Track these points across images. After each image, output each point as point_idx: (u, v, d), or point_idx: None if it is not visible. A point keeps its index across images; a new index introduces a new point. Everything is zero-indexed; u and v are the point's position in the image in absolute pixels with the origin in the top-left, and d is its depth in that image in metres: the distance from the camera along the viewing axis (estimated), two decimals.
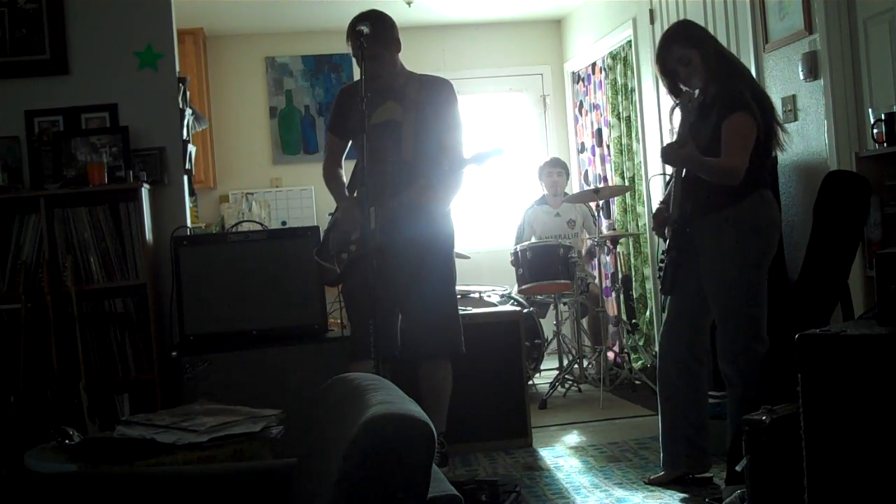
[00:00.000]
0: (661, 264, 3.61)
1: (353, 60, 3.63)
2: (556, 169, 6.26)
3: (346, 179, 3.83)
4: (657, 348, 3.68)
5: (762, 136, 3.31)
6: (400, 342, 3.69)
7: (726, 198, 3.32)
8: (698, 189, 3.37)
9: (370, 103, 3.46)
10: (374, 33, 3.48)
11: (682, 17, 5.27)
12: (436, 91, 3.67)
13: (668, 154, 3.40)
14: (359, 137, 3.48)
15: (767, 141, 3.36)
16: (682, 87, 3.47)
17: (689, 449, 3.55)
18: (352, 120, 3.62)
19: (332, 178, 3.81)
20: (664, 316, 3.68)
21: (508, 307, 5.19)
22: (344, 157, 3.84)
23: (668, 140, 5.61)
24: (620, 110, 6.58)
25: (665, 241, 3.57)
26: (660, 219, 3.60)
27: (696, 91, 3.44)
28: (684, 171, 3.42)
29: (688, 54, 3.39)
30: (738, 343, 3.35)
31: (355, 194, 3.70)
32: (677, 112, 3.57)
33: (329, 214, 3.88)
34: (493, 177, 7.55)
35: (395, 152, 3.55)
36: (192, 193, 4.95)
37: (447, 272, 3.70)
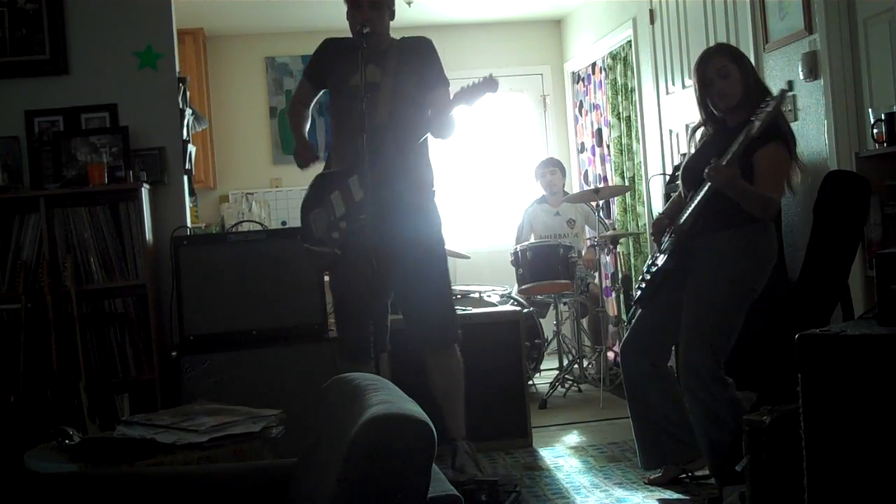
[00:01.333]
0: (645, 275, 3.60)
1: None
2: (550, 168, 6.27)
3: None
4: (621, 362, 3.67)
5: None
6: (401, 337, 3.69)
7: (733, 219, 3.29)
8: (714, 206, 3.31)
9: (352, 65, 3.47)
10: None
11: (682, 17, 5.28)
12: (415, 52, 3.64)
13: (718, 172, 3.18)
14: (332, 97, 3.56)
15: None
16: (710, 105, 3.41)
17: (676, 445, 3.55)
18: (332, 76, 3.63)
19: (296, 114, 3.90)
20: (629, 328, 3.67)
21: (508, 307, 5.19)
22: (313, 104, 3.91)
23: (668, 140, 5.62)
24: (620, 110, 6.58)
25: (660, 249, 3.55)
26: (659, 227, 3.59)
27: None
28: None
29: (728, 67, 3.35)
30: (703, 360, 3.32)
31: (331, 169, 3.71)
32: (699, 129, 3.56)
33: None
34: (492, 176, 7.56)
35: (371, 116, 3.47)
36: (192, 193, 4.95)
37: (445, 263, 3.71)
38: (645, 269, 3.64)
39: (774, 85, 4.33)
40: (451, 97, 3.53)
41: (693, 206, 3.37)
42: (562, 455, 4.24)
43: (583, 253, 6.05)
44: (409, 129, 3.58)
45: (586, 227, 6.32)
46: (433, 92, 3.62)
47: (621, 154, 6.58)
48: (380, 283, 3.46)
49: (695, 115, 3.60)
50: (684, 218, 3.41)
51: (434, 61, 3.65)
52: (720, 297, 3.33)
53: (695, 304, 3.37)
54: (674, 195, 3.80)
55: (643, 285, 3.58)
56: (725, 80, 3.35)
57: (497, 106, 7.68)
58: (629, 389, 3.62)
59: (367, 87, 3.42)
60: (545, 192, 6.29)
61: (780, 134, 3.25)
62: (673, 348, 3.74)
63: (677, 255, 3.44)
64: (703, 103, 3.45)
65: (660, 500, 3.46)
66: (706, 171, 3.19)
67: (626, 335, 3.67)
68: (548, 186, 6.24)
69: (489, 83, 3.45)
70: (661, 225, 3.60)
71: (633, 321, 3.69)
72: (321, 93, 3.85)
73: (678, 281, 3.43)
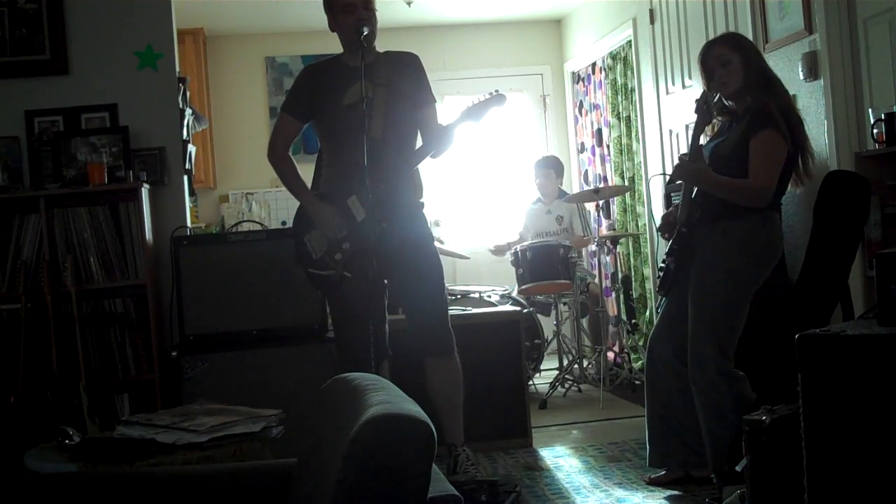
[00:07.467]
0: (662, 265, 3.61)
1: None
2: (544, 171, 6.25)
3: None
4: (647, 348, 3.68)
5: (790, 156, 3.29)
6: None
7: (729, 211, 3.31)
8: (711, 198, 3.35)
9: (342, 84, 3.44)
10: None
11: (682, 17, 5.28)
12: (405, 69, 3.63)
13: (682, 169, 3.32)
14: (325, 121, 3.46)
15: (790, 164, 3.33)
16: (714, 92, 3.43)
17: (682, 449, 3.55)
18: (321, 101, 3.58)
19: (284, 163, 3.69)
20: (657, 317, 3.67)
21: (508, 307, 5.19)
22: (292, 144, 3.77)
23: (668, 140, 5.62)
24: (620, 110, 6.58)
25: (668, 243, 3.57)
26: (668, 220, 3.60)
27: (717, 95, 3.41)
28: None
29: (728, 55, 3.38)
30: (706, 352, 3.33)
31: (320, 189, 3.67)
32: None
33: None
34: (492, 177, 7.56)
35: (367, 131, 3.42)
36: (192, 193, 4.95)
37: (440, 265, 3.71)
38: (661, 258, 3.66)
39: None
40: (459, 114, 3.51)
41: (689, 199, 3.41)
42: (562, 455, 4.24)
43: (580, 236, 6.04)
44: (405, 144, 3.58)
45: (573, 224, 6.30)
46: (423, 111, 3.62)
47: (621, 154, 6.58)
48: (381, 285, 3.45)
49: (694, 115, 3.60)
50: (680, 212, 3.45)
51: (424, 79, 3.65)
52: (719, 291, 3.34)
53: (697, 297, 3.39)
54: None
55: (661, 274, 3.59)
56: (725, 68, 3.39)
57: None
58: (649, 382, 3.62)
59: (360, 105, 3.37)
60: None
61: (772, 120, 3.25)
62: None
63: (682, 248, 3.46)
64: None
65: (660, 500, 3.46)
66: (673, 171, 3.22)
67: (656, 324, 3.68)
68: (539, 188, 6.26)
69: (496, 98, 3.46)
70: (669, 218, 3.60)
71: (661, 310, 3.69)
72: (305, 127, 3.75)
73: (689, 273, 3.45)
